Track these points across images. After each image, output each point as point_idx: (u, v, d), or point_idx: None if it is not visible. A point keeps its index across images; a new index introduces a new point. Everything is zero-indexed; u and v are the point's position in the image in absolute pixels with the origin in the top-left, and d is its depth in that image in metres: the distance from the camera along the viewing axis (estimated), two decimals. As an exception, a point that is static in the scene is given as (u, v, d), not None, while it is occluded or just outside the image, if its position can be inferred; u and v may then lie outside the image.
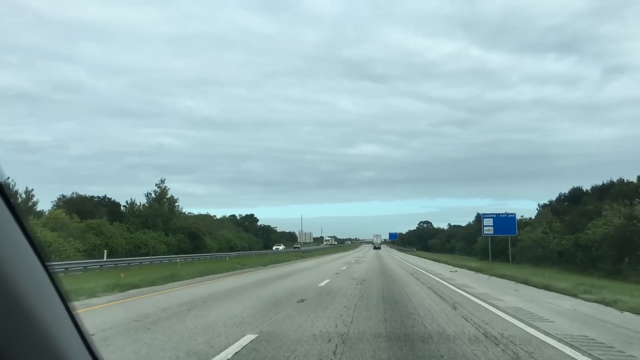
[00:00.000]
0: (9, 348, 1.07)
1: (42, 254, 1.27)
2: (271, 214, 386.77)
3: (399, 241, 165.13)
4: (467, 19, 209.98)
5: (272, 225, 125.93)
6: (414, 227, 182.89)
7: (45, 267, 1.29)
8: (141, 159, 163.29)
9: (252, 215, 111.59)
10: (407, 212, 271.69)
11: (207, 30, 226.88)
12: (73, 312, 1.38)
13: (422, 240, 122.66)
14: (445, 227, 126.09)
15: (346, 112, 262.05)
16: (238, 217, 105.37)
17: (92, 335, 1.83)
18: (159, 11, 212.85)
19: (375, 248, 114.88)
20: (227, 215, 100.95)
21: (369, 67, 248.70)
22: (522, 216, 52.20)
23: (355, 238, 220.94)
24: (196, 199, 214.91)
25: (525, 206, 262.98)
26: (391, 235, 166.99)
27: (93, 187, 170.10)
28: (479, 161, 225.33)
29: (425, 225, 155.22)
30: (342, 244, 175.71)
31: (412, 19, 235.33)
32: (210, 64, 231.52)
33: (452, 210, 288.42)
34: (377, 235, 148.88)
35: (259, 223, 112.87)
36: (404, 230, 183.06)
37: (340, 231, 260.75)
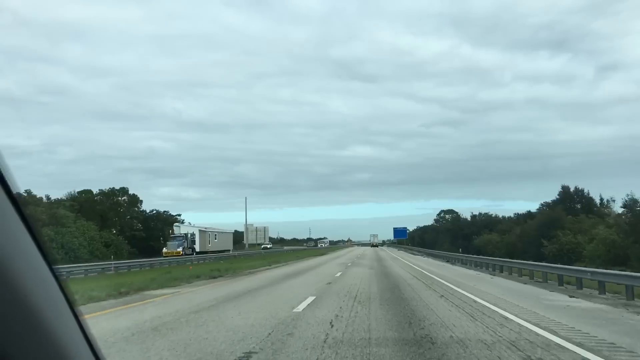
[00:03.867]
0: (17, 351, 1.09)
1: (49, 258, 1.28)
2: (266, 217, 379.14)
3: (407, 240, 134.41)
4: (457, 17, 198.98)
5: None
6: (419, 223, 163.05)
7: (53, 271, 1.29)
8: (132, 163, 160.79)
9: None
10: (402, 214, 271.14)
11: (192, 29, 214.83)
12: (79, 316, 1.39)
13: (454, 237, 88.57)
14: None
15: (338, 113, 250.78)
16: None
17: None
18: (142, 10, 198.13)
19: (373, 246, 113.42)
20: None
21: (359, 67, 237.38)
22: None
23: (348, 239, 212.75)
24: (190, 204, 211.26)
25: (521, 207, 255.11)
26: (397, 232, 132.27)
27: None
28: (474, 162, 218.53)
29: (448, 216, 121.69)
30: (335, 245, 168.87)
31: (401, 16, 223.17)
32: (197, 64, 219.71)
33: (447, 212, 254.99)
34: (374, 235, 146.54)
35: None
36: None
37: (336, 234, 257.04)
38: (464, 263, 37.66)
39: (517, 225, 70.61)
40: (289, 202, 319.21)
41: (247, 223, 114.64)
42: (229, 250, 68.48)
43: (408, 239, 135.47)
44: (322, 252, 79.21)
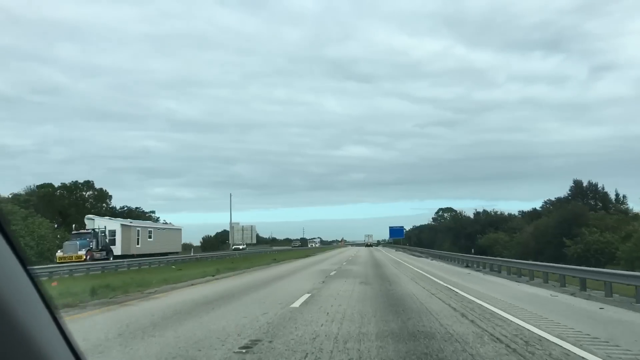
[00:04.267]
0: None
1: (23, 257, 1.24)
2: (262, 217, 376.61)
3: (404, 240, 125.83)
4: (451, 17, 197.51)
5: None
6: (414, 223, 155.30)
7: (27, 271, 1.25)
8: (126, 162, 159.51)
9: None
10: (397, 214, 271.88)
11: (186, 29, 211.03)
12: (58, 318, 1.35)
13: (456, 236, 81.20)
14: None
15: (333, 113, 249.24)
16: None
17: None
18: (136, 9, 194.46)
19: (367, 246, 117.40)
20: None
21: (353, 67, 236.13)
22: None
23: (342, 239, 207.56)
24: (185, 203, 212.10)
25: (515, 207, 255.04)
26: (393, 232, 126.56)
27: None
28: (468, 162, 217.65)
29: (447, 215, 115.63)
30: (328, 245, 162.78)
31: (396, 16, 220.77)
32: (191, 64, 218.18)
33: (446, 210, 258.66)
34: (368, 236, 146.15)
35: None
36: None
37: (331, 234, 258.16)
38: (494, 269, 28.76)
39: (527, 223, 63.41)
40: (284, 202, 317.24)
41: (233, 222, 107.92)
42: (177, 253, 54.81)
43: (405, 239, 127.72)
44: (309, 253, 71.77)
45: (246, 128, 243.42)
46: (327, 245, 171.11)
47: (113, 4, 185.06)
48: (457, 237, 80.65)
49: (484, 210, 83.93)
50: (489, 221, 76.88)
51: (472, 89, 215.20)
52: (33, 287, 1.27)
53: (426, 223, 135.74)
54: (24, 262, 1.24)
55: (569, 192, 73.75)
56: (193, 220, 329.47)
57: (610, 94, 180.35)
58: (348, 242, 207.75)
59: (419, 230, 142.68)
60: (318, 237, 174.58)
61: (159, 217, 77.65)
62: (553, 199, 71.67)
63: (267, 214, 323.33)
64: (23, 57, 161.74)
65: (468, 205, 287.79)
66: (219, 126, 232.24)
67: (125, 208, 70.69)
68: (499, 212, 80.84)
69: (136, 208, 72.11)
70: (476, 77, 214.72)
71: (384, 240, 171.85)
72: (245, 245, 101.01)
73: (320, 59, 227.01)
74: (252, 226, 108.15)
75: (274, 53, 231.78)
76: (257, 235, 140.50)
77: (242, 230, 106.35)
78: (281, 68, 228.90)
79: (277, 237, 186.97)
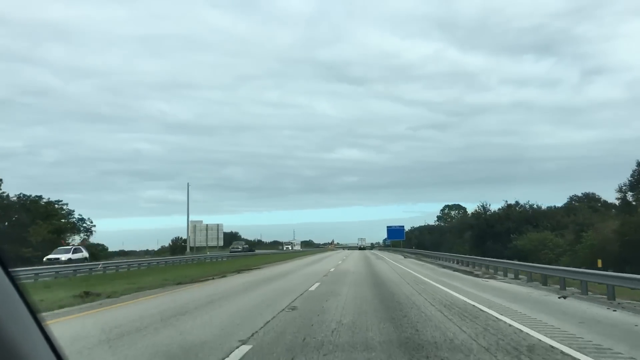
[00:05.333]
0: None
1: (4, 260, 1.21)
2: (254, 220, 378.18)
3: (404, 243, 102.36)
4: (443, 20, 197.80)
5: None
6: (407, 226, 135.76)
7: (8, 274, 1.21)
8: (117, 165, 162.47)
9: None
10: (390, 217, 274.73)
11: (177, 30, 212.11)
12: (41, 321, 1.30)
13: (480, 236, 61.30)
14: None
15: (325, 115, 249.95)
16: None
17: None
18: (126, 10, 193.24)
19: (361, 249, 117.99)
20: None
21: (346, 69, 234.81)
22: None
23: (332, 241, 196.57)
24: (178, 206, 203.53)
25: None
26: (391, 232, 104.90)
27: (69, 194, 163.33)
28: (460, 165, 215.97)
29: (454, 212, 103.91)
30: (313, 248, 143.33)
31: (388, 19, 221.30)
32: (182, 65, 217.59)
33: (435, 215, 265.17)
34: (362, 239, 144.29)
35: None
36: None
37: (323, 237, 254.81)
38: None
39: (603, 218, 43.56)
40: (277, 205, 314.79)
41: (196, 220, 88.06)
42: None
43: (405, 241, 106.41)
44: (274, 259, 51.64)
45: (238, 130, 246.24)
46: (312, 248, 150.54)
47: (102, 4, 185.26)
48: (479, 239, 60.65)
49: (517, 203, 63.35)
50: (524, 217, 57.08)
51: (464, 92, 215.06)
52: (14, 289, 1.21)
53: (418, 225, 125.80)
54: (4, 264, 1.18)
55: (630, 178, 54.37)
56: (185, 223, 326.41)
57: (602, 98, 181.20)
58: (340, 244, 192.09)
59: (418, 231, 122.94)
60: (296, 240, 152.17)
61: (73, 211, 58.54)
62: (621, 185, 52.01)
63: (259, 217, 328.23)
64: (12, 58, 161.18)
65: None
66: (211, 129, 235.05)
67: (22, 196, 50.67)
68: (535, 206, 61.02)
69: (37, 196, 51.96)
70: (468, 80, 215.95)
71: (378, 244, 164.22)
72: (241, 247, 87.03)
73: (313, 61, 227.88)
74: (218, 225, 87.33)
75: (265, 55, 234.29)
76: (241, 238, 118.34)
77: (207, 230, 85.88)
78: (273, 70, 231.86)
79: (263, 240, 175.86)
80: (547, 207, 64.78)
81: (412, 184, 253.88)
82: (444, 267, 37.23)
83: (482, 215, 63.75)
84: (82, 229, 61.22)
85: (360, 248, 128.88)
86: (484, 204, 64.71)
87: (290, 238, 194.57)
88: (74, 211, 59.36)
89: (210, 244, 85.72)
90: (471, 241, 62.62)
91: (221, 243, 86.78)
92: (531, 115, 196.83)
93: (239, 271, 30.93)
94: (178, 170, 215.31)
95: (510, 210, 59.99)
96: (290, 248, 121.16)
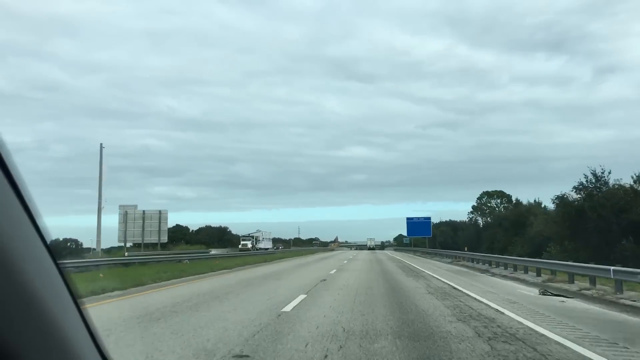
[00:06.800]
0: (22, 345, 1.09)
1: (51, 249, 1.27)
2: (263, 217, 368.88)
3: (427, 241, 77.74)
4: (453, 16, 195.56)
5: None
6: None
7: (56, 263, 1.29)
8: (126, 160, 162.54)
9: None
10: (399, 216, 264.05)
11: (185, 25, 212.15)
12: (82, 310, 1.39)
13: (574, 232, 33.51)
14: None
15: (334, 113, 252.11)
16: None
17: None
18: (134, 5, 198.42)
19: (370, 249, 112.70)
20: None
21: (355, 66, 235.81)
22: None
23: (335, 238, 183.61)
24: (186, 203, 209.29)
25: None
26: (412, 227, 77.23)
27: (79, 190, 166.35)
28: (470, 164, 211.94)
29: (496, 202, 76.96)
30: (310, 248, 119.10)
31: (397, 15, 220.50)
32: (190, 61, 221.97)
33: (444, 214, 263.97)
34: (371, 239, 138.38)
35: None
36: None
37: (331, 235, 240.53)
38: None
39: None
40: (285, 202, 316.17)
41: (129, 205, 62.50)
42: None
43: (431, 238, 77.63)
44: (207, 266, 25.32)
45: (247, 127, 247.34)
46: (309, 247, 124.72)
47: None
48: (576, 233, 32.69)
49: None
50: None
51: (474, 90, 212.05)
52: (61, 278, 1.28)
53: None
54: (52, 253, 1.24)
55: None
56: (193, 220, 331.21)
57: (615, 96, 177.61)
58: (348, 243, 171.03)
59: (447, 226, 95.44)
60: (266, 231, 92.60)
61: None
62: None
63: (267, 214, 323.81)
64: (21, 52, 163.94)
65: (470, 208, 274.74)
66: (219, 125, 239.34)
67: None
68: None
69: None
70: (479, 77, 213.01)
71: (389, 242, 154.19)
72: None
73: (321, 58, 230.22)
74: (160, 212, 60.14)
75: (274, 51, 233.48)
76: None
77: (143, 220, 59.30)
78: (281, 67, 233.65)
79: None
80: None
81: (422, 183, 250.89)
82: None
83: (596, 192, 33.64)
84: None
85: (370, 248, 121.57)
86: (596, 171, 34.98)
87: (295, 235, 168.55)
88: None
89: (152, 237, 59.34)
90: (565, 237, 34.13)
91: (164, 237, 59.94)
92: (543, 114, 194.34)
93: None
94: (186, 167, 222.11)
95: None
96: (249, 245, 75.58)
